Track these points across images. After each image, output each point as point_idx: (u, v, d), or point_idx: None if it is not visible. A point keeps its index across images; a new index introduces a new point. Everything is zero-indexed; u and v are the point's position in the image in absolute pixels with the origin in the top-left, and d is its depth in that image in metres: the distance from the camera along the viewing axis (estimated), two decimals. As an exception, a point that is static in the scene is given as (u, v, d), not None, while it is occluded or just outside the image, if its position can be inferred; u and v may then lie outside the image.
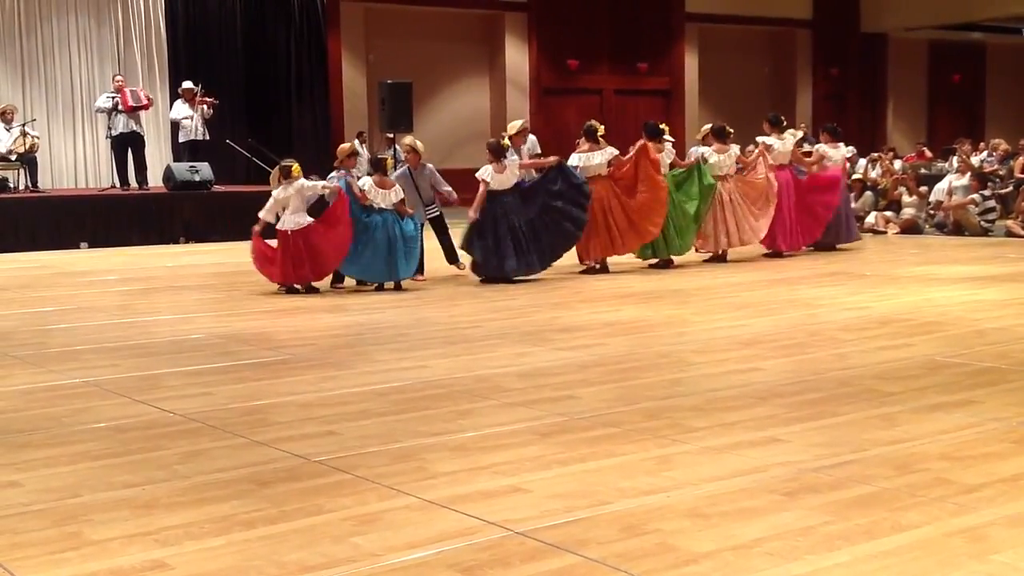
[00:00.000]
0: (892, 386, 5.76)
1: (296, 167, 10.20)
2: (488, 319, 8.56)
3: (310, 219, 10.15)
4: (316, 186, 10.28)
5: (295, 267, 10.07)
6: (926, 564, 3.32)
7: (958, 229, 15.48)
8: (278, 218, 10.22)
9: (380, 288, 10.28)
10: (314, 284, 10.25)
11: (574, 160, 11.34)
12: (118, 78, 16.98)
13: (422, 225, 10.61)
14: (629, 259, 11.98)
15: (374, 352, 7.14)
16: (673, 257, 11.98)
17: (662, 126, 11.96)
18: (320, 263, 10.15)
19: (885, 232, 15.92)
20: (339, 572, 3.33)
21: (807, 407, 5.33)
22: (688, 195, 11.88)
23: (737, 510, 3.80)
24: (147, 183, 16.78)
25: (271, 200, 10.22)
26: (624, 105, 23.13)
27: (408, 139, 11.34)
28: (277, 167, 10.34)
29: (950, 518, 3.70)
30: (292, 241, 10.02)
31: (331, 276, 10.49)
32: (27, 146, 16.07)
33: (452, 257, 11.35)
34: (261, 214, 10.21)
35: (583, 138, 11.48)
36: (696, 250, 12.47)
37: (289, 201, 10.11)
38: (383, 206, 10.16)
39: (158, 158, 18.55)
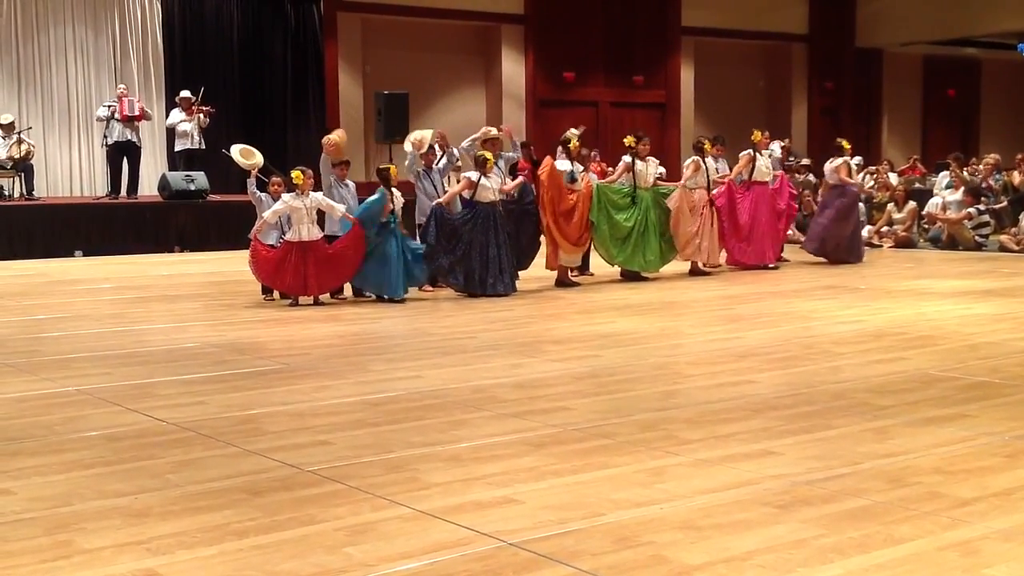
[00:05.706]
0: (886, 399, 5.76)
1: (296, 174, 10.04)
2: (482, 330, 8.56)
3: (321, 233, 10.08)
4: (334, 207, 10.04)
5: (296, 278, 9.91)
6: (919, 577, 3.33)
7: (952, 243, 15.51)
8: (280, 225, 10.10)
9: (380, 298, 10.26)
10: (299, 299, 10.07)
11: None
12: (121, 87, 17.00)
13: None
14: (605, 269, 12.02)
15: (368, 362, 7.13)
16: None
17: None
18: (322, 281, 10.02)
19: (880, 246, 15.95)
20: (331, 582, 3.33)
21: (801, 420, 5.33)
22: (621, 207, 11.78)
23: (730, 522, 3.80)
24: (136, 193, 16.74)
25: (279, 204, 9.94)
26: (620, 117, 23.11)
27: (419, 138, 11.30)
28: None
29: (943, 532, 3.70)
30: (296, 253, 9.84)
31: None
32: (22, 152, 16.04)
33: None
34: (266, 215, 9.99)
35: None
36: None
37: (303, 212, 9.88)
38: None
39: (154, 167, 18.51)
